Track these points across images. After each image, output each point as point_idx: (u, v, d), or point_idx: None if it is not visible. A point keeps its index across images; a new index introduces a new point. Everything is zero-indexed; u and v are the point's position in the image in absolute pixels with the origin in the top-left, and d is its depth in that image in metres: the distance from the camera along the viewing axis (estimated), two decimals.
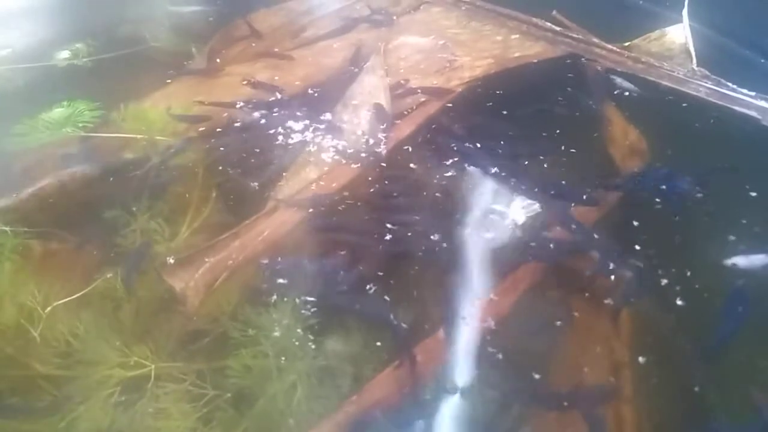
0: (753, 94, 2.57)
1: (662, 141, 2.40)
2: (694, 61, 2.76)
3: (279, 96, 2.63)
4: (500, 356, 1.69)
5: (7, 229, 1.99)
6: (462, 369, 1.67)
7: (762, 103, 2.53)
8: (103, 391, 1.62)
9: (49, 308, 1.79)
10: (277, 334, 1.69)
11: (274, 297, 1.79)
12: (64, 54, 2.87)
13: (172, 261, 1.89)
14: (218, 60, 2.91)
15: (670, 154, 2.34)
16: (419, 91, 2.64)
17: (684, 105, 2.60)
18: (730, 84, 2.63)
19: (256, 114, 2.51)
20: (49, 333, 1.74)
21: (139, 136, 2.35)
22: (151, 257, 1.93)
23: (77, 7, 3.14)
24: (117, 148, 2.33)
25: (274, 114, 2.51)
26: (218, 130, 2.44)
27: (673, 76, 2.72)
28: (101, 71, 2.81)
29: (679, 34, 2.86)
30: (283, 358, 1.65)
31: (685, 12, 2.85)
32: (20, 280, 1.87)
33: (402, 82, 2.70)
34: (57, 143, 2.34)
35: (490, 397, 1.62)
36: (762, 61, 2.79)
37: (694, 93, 2.63)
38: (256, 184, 2.20)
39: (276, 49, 2.96)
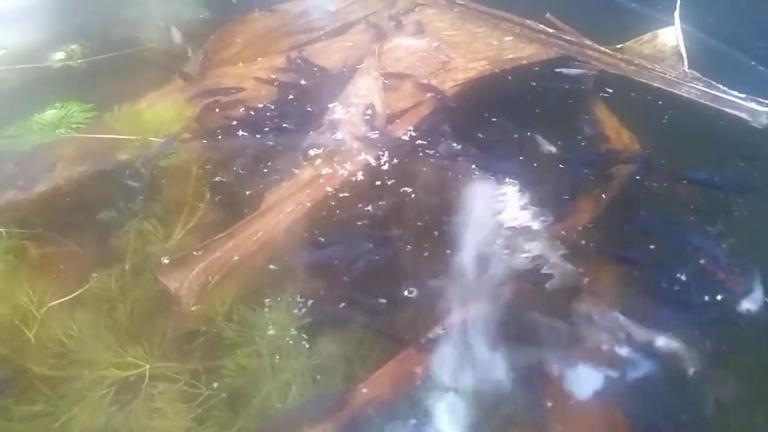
0: (743, 95, 2.60)
1: (654, 142, 2.43)
2: (686, 63, 2.78)
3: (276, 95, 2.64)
4: (494, 355, 1.71)
5: (2, 230, 1.99)
6: (456, 369, 1.68)
7: (752, 105, 2.56)
8: (98, 391, 1.63)
9: (44, 309, 1.79)
10: (271, 333, 1.70)
11: (269, 296, 1.80)
12: (59, 55, 2.87)
13: (166, 261, 1.90)
14: (213, 61, 2.92)
15: (661, 154, 2.36)
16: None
17: (675, 106, 2.62)
18: (720, 86, 2.66)
19: (252, 114, 2.52)
20: (44, 334, 1.75)
21: (133, 137, 2.35)
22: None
23: (72, 9, 3.14)
24: (111, 149, 2.33)
25: (269, 114, 2.52)
26: (213, 130, 2.45)
27: (665, 77, 2.75)
28: (96, 73, 2.82)
29: (670, 36, 2.89)
30: (277, 357, 1.66)
31: (676, 14, 2.88)
32: (14, 281, 1.87)
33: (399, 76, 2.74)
34: (50, 145, 2.34)
35: (483, 395, 1.63)
36: (752, 63, 2.83)
37: (686, 95, 2.66)
38: (250, 184, 2.21)
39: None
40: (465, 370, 1.68)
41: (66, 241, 2.01)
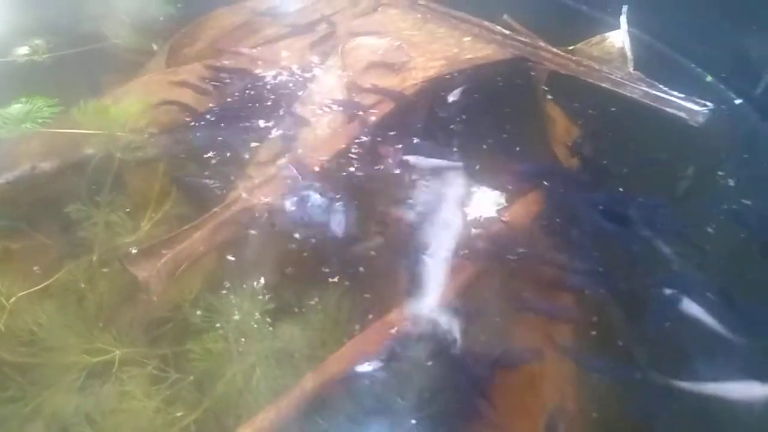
0: (682, 96, 2.77)
1: (601, 140, 2.60)
2: (631, 64, 2.95)
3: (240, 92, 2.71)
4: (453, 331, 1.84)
5: None
6: (414, 345, 1.80)
7: (690, 105, 2.74)
8: (68, 377, 1.69)
9: (13, 299, 1.84)
10: (236, 318, 1.80)
11: (233, 284, 1.89)
12: (23, 50, 2.87)
13: (134, 251, 1.96)
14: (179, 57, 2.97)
15: (607, 150, 2.53)
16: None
17: (620, 106, 2.79)
18: (662, 87, 2.83)
19: (216, 110, 2.60)
20: (14, 323, 1.80)
21: (99, 132, 2.39)
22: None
23: (36, 4, 3.14)
24: (77, 144, 2.36)
25: (232, 110, 2.59)
26: (178, 125, 2.51)
27: (612, 78, 2.91)
28: (61, 68, 2.83)
29: (618, 39, 3.05)
30: (243, 339, 1.76)
31: (623, 18, 3.04)
32: None
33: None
34: (17, 139, 2.36)
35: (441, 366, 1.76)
36: (692, 65, 3.02)
37: (630, 95, 2.84)
38: (215, 178, 2.28)
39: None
40: (425, 346, 1.80)
41: (34, 234, 2.06)
